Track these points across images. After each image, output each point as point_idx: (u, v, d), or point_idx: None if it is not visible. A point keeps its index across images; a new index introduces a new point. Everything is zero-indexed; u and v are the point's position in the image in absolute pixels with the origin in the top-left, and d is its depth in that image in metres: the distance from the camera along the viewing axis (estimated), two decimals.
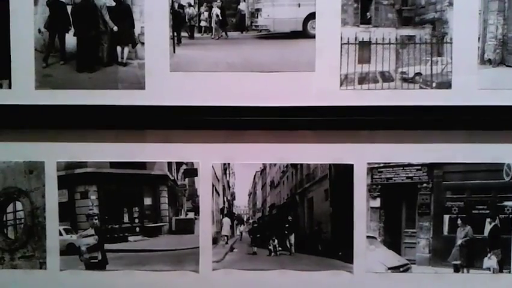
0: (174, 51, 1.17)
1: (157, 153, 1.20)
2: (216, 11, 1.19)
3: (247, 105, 1.14)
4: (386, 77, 1.15)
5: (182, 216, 1.24)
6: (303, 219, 1.23)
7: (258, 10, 1.18)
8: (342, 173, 1.18)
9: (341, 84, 1.15)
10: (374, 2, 1.14)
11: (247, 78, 1.15)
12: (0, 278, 1.23)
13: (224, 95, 1.15)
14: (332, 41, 1.14)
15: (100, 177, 1.22)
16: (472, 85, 1.13)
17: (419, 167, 1.17)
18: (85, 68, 1.18)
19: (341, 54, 1.14)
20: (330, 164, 1.18)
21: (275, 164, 1.21)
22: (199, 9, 1.19)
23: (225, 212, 1.25)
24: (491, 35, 1.13)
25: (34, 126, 1.17)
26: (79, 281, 1.22)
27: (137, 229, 1.25)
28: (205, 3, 1.19)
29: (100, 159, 1.21)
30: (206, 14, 1.20)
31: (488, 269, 1.17)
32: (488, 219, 1.17)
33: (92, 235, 1.22)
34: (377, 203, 1.19)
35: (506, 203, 1.16)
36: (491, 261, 1.17)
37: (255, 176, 1.23)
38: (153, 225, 1.25)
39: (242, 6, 1.19)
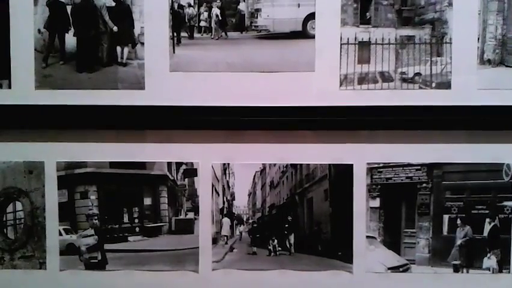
0: (174, 52, 1.17)
1: (157, 153, 1.20)
2: (215, 11, 1.19)
3: (246, 105, 1.14)
4: (385, 77, 1.15)
5: (182, 216, 1.24)
6: (303, 219, 1.23)
7: (257, 10, 1.18)
8: (342, 173, 1.18)
9: (341, 85, 1.15)
10: (373, 2, 1.14)
11: (246, 78, 1.15)
12: (0, 278, 1.23)
13: (224, 95, 1.15)
14: (331, 41, 1.14)
15: (99, 177, 1.22)
16: (472, 85, 1.13)
17: (419, 167, 1.17)
18: (84, 68, 1.18)
19: (341, 55, 1.14)
20: (329, 164, 1.18)
21: (275, 164, 1.21)
22: (198, 9, 1.19)
23: (225, 212, 1.25)
24: (490, 35, 1.13)
25: (34, 126, 1.17)
26: (79, 281, 1.22)
27: (137, 229, 1.25)
28: (204, 4, 1.19)
29: (100, 159, 1.21)
30: (206, 14, 1.20)
31: (488, 269, 1.17)
32: (487, 219, 1.17)
33: (92, 235, 1.22)
34: (376, 203, 1.19)
35: (505, 203, 1.16)
36: (490, 261, 1.17)
37: (254, 176, 1.23)
38: (153, 225, 1.25)
39: (242, 6, 1.19)
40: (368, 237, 1.18)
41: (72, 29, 1.18)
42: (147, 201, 1.26)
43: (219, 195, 1.24)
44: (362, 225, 1.18)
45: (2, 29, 1.16)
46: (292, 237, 1.22)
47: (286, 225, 1.23)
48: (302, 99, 1.14)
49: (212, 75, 1.16)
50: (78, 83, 1.18)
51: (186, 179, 1.23)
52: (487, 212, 1.17)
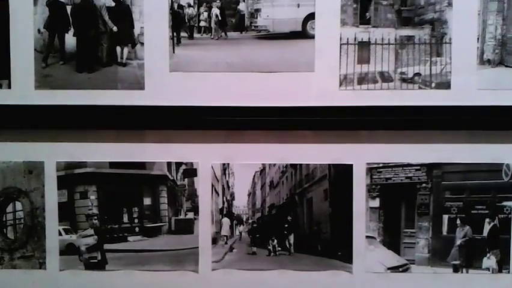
0: (174, 52, 1.17)
1: (157, 153, 1.20)
2: (215, 11, 1.19)
3: (246, 105, 1.14)
4: (385, 77, 1.15)
5: (182, 216, 1.24)
6: (303, 219, 1.23)
7: (257, 10, 1.18)
8: (342, 173, 1.18)
9: (340, 85, 1.15)
10: (373, 2, 1.14)
11: (246, 78, 1.15)
12: (0, 278, 1.23)
13: (223, 95, 1.15)
14: (331, 41, 1.14)
15: (99, 177, 1.22)
16: (471, 85, 1.13)
17: (418, 167, 1.17)
18: (84, 68, 1.18)
19: (340, 55, 1.14)
20: (329, 164, 1.18)
21: (274, 164, 1.21)
22: (198, 9, 1.19)
23: (225, 212, 1.25)
24: (490, 35, 1.13)
25: (34, 126, 1.17)
26: (79, 281, 1.22)
27: (137, 229, 1.25)
28: (204, 4, 1.19)
29: (100, 159, 1.21)
30: (205, 14, 1.20)
31: (488, 269, 1.17)
32: (487, 219, 1.17)
33: (92, 235, 1.22)
34: (376, 203, 1.19)
35: (505, 203, 1.16)
36: (490, 261, 1.17)
37: (254, 176, 1.23)
38: (153, 225, 1.25)
39: (241, 6, 1.19)
40: (367, 237, 1.18)
41: (72, 29, 1.18)
42: (147, 201, 1.26)
43: (218, 195, 1.24)
44: (362, 225, 1.18)
45: (1, 29, 1.16)
46: (292, 237, 1.22)
47: (286, 225, 1.23)
48: (302, 99, 1.14)
49: (212, 75, 1.16)
50: (78, 83, 1.18)
51: (186, 179, 1.23)
52: (486, 212, 1.17)
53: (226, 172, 1.22)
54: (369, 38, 1.15)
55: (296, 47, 1.16)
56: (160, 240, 1.24)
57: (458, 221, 1.18)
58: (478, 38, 1.13)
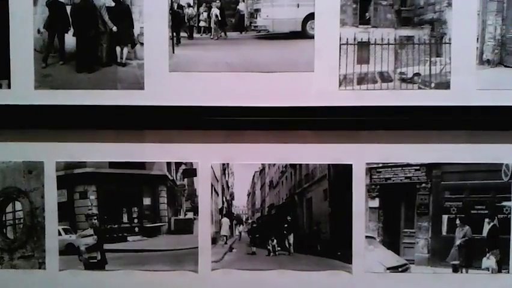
0: (173, 52, 1.17)
1: (156, 153, 1.20)
2: (215, 11, 1.19)
3: (246, 105, 1.14)
4: (384, 78, 1.16)
5: (182, 216, 1.24)
6: (302, 219, 1.23)
7: (257, 10, 1.18)
8: (341, 173, 1.18)
9: (340, 85, 1.15)
10: (373, 2, 1.14)
11: (246, 78, 1.15)
12: (0, 278, 1.23)
13: (223, 95, 1.15)
14: (331, 41, 1.14)
15: (99, 177, 1.22)
16: (471, 85, 1.13)
17: (418, 167, 1.17)
18: (84, 68, 1.18)
19: (340, 55, 1.14)
20: (329, 164, 1.18)
21: (274, 164, 1.21)
22: (198, 9, 1.19)
23: (224, 212, 1.25)
24: (489, 35, 1.13)
25: (33, 126, 1.17)
26: (78, 281, 1.22)
27: (137, 229, 1.25)
28: (204, 4, 1.19)
29: (99, 159, 1.21)
30: (205, 14, 1.20)
31: (487, 269, 1.17)
32: (486, 220, 1.17)
33: (92, 235, 1.22)
34: (375, 203, 1.19)
35: (504, 203, 1.16)
36: (489, 261, 1.17)
37: (254, 176, 1.23)
38: (152, 225, 1.25)
39: (241, 6, 1.19)
40: (367, 237, 1.18)
41: (71, 29, 1.19)
42: (146, 201, 1.26)
43: (218, 195, 1.24)
44: (361, 225, 1.18)
45: (1, 29, 1.16)
46: (291, 237, 1.22)
47: (286, 225, 1.23)
48: (301, 100, 1.14)
49: (211, 75, 1.16)
50: (77, 83, 1.18)
51: (185, 179, 1.23)
52: (486, 212, 1.17)
53: (226, 172, 1.22)
54: (368, 38, 1.15)
55: (296, 47, 1.16)
56: (160, 240, 1.24)
57: (458, 221, 1.18)
58: (477, 38, 1.13)
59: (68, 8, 1.18)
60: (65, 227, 1.22)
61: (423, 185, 1.18)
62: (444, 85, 1.14)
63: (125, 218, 1.25)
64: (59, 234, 1.22)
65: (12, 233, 1.23)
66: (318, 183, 1.20)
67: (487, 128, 1.13)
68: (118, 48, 1.19)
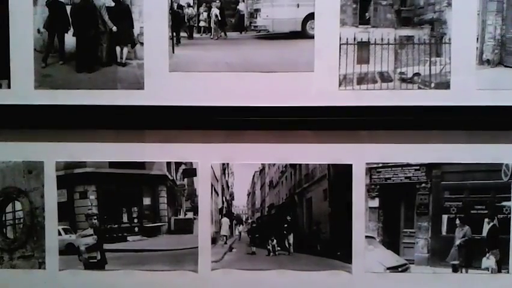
0: (173, 52, 1.17)
1: (156, 153, 1.20)
2: (215, 11, 1.19)
3: (246, 105, 1.14)
4: (384, 77, 1.16)
5: (181, 216, 1.24)
6: (302, 219, 1.23)
7: (257, 10, 1.18)
8: (341, 173, 1.18)
9: (340, 85, 1.15)
10: (372, 2, 1.14)
11: (246, 78, 1.15)
12: (0, 277, 1.23)
13: (223, 95, 1.15)
14: (330, 41, 1.14)
15: (99, 177, 1.22)
16: (471, 85, 1.13)
17: (418, 167, 1.17)
18: (84, 68, 1.18)
19: (340, 55, 1.14)
20: (329, 164, 1.18)
21: (274, 164, 1.21)
22: (198, 9, 1.19)
23: (224, 212, 1.25)
24: (489, 35, 1.13)
25: (33, 126, 1.17)
26: (78, 281, 1.22)
27: (136, 229, 1.25)
28: (204, 4, 1.19)
29: (99, 159, 1.21)
30: (205, 14, 1.20)
31: (487, 269, 1.17)
32: (486, 219, 1.17)
33: (91, 235, 1.22)
34: (375, 203, 1.19)
35: (504, 203, 1.16)
36: (489, 261, 1.17)
37: (254, 176, 1.23)
38: (152, 225, 1.25)
39: (241, 6, 1.19)
40: (367, 237, 1.18)
41: (71, 29, 1.19)
42: (146, 201, 1.26)
43: (218, 195, 1.24)
44: (361, 225, 1.18)
45: (1, 29, 1.16)
46: (291, 237, 1.23)
47: (286, 225, 1.23)
48: (301, 99, 1.14)
49: (211, 75, 1.16)
50: (77, 83, 1.18)
51: (185, 179, 1.23)
52: (485, 212, 1.17)
53: (226, 172, 1.22)
54: (368, 38, 1.15)
55: (296, 47, 1.16)
56: (160, 240, 1.24)
57: (458, 221, 1.18)
58: (477, 38, 1.13)
59: (68, 8, 1.18)
60: (65, 226, 1.22)
61: (423, 185, 1.18)
62: (444, 85, 1.14)
63: (125, 218, 1.25)
64: (59, 234, 1.22)
65: (12, 233, 1.23)
66: (318, 183, 1.20)
67: (486, 128, 1.13)
68: (118, 48, 1.19)
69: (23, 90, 1.17)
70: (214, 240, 1.22)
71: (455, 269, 1.18)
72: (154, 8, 1.15)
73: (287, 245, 1.22)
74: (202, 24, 1.20)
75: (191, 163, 1.21)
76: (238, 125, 1.15)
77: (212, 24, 1.20)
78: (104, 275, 1.22)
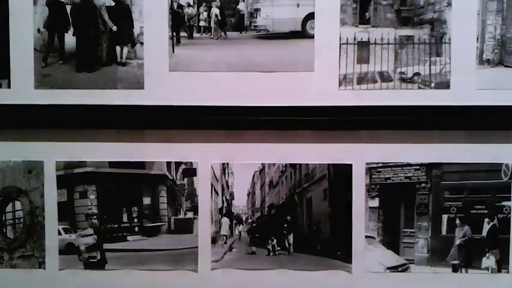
0: (173, 51, 1.17)
1: (156, 152, 1.20)
2: (215, 11, 1.19)
3: (246, 105, 1.14)
4: (384, 77, 1.16)
5: (181, 216, 1.24)
6: (302, 219, 1.23)
7: (257, 10, 1.18)
8: (341, 173, 1.18)
9: (340, 84, 1.15)
10: (372, 2, 1.14)
11: (246, 78, 1.15)
12: (0, 277, 1.23)
13: (223, 95, 1.15)
14: (330, 41, 1.14)
15: (99, 176, 1.22)
16: (471, 85, 1.13)
17: (418, 167, 1.17)
18: (84, 67, 1.18)
19: (340, 54, 1.14)
20: (329, 164, 1.19)
21: (274, 164, 1.21)
22: (198, 9, 1.19)
23: (224, 212, 1.25)
24: (489, 35, 1.13)
25: (33, 125, 1.17)
26: (78, 281, 1.22)
27: (136, 229, 1.25)
28: (204, 3, 1.19)
29: (99, 159, 1.21)
30: (205, 14, 1.20)
31: (487, 268, 1.17)
32: (486, 219, 1.17)
33: (91, 235, 1.22)
34: (375, 202, 1.19)
35: (504, 203, 1.16)
36: (489, 261, 1.17)
37: (253, 175, 1.23)
38: (152, 224, 1.25)
39: (241, 6, 1.19)
40: (367, 237, 1.18)
41: (71, 28, 1.19)
42: (146, 200, 1.26)
43: (218, 194, 1.24)
44: (361, 225, 1.18)
45: (1, 29, 1.16)
46: (291, 237, 1.23)
47: (286, 225, 1.23)
48: (301, 99, 1.14)
49: (211, 75, 1.16)
50: (77, 83, 1.18)
51: (185, 179, 1.23)
52: (485, 212, 1.17)
53: (226, 172, 1.22)
54: (368, 38, 1.15)
55: (296, 47, 1.16)
56: (160, 240, 1.24)
57: (458, 221, 1.18)
58: (477, 38, 1.13)
59: (68, 8, 1.18)
60: (65, 226, 1.22)
61: (423, 184, 1.18)
62: (444, 85, 1.14)
63: (125, 218, 1.25)
64: (59, 233, 1.22)
65: (12, 233, 1.23)
66: (318, 183, 1.20)
67: (486, 127, 1.13)
68: (118, 48, 1.19)
69: (23, 90, 1.17)
70: (214, 240, 1.22)
71: (455, 269, 1.18)
72: (154, 8, 1.15)
73: (287, 245, 1.22)
74: (202, 24, 1.20)
75: (191, 163, 1.21)
76: (238, 125, 1.15)
77: (212, 24, 1.20)
78: (104, 274, 1.22)
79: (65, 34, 1.19)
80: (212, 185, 1.21)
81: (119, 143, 1.19)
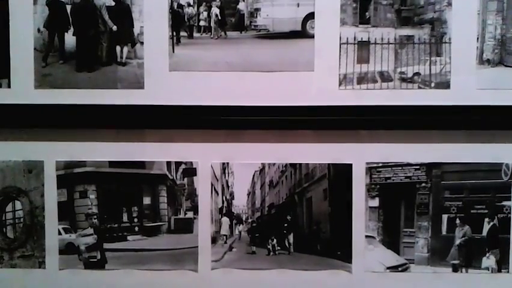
0: (173, 51, 1.17)
1: (156, 152, 1.20)
2: (215, 10, 1.19)
3: (246, 104, 1.14)
4: (384, 77, 1.16)
5: (181, 216, 1.24)
6: (302, 218, 1.23)
7: (257, 10, 1.18)
8: (341, 173, 1.18)
9: (340, 84, 1.15)
10: (373, 1, 1.14)
11: (246, 77, 1.15)
12: (0, 277, 1.23)
13: (223, 95, 1.15)
14: (330, 40, 1.14)
15: (99, 176, 1.22)
16: (471, 85, 1.13)
17: (418, 167, 1.17)
18: (84, 67, 1.18)
19: (340, 54, 1.14)
20: (329, 164, 1.18)
21: (274, 164, 1.21)
22: (198, 8, 1.19)
23: (224, 212, 1.25)
24: (489, 35, 1.13)
25: (33, 125, 1.17)
26: (78, 280, 1.22)
27: (136, 228, 1.25)
28: (204, 3, 1.19)
29: (99, 159, 1.21)
30: (205, 13, 1.20)
31: (487, 268, 1.17)
32: (486, 219, 1.17)
33: (91, 234, 1.22)
34: (375, 202, 1.19)
35: (504, 203, 1.16)
36: (489, 260, 1.17)
37: (254, 175, 1.23)
38: (152, 224, 1.25)
39: (241, 6, 1.19)
40: (367, 236, 1.18)
41: (71, 28, 1.18)
42: (146, 200, 1.26)
43: (218, 194, 1.24)
44: (361, 225, 1.18)
45: (1, 28, 1.16)
46: (291, 237, 1.23)
47: (286, 225, 1.23)
48: (301, 99, 1.14)
49: (211, 74, 1.16)
50: (77, 83, 1.18)
51: (185, 179, 1.23)
52: (486, 211, 1.17)
53: (226, 171, 1.22)
54: (368, 38, 1.15)
55: (296, 47, 1.16)
56: (160, 240, 1.24)
57: (458, 221, 1.18)
58: (477, 38, 1.13)
59: (68, 7, 1.18)
60: (65, 226, 1.22)
61: (423, 184, 1.18)
62: (444, 85, 1.14)
63: (125, 218, 1.25)
64: (59, 233, 1.22)
65: (12, 232, 1.23)
66: (318, 183, 1.20)
67: (487, 127, 1.13)
68: (118, 48, 1.19)
69: (23, 89, 1.17)
70: (214, 240, 1.22)
71: (455, 269, 1.18)
72: (154, 8, 1.15)
73: (287, 245, 1.22)
74: (202, 23, 1.20)
75: (191, 162, 1.21)
76: (238, 124, 1.15)
77: (212, 24, 1.20)
78: (104, 274, 1.22)
79: (65, 34, 1.19)
80: (212, 184, 1.21)
81: (119, 142, 1.19)
